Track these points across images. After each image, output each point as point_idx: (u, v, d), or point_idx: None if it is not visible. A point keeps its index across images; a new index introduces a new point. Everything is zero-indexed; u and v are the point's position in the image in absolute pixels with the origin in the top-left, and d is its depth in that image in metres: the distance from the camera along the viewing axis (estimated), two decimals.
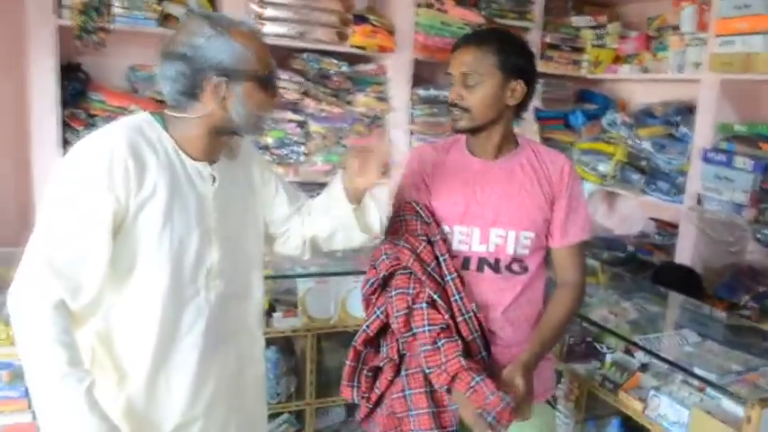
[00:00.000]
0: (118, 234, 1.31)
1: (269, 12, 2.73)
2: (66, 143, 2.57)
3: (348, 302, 2.27)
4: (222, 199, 1.43)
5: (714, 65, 2.72)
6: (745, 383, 1.74)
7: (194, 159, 1.39)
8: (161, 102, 2.71)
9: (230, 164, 1.49)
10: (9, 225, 2.83)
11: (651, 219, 3.49)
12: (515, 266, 1.58)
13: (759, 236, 2.63)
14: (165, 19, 2.65)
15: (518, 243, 1.56)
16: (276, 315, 2.28)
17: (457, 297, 1.51)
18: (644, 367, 1.98)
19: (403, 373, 1.55)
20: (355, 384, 1.63)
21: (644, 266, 3.15)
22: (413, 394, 1.51)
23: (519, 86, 1.54)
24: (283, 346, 2.44)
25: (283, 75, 2.81)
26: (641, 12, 3.36)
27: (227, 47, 1.30)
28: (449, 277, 1.52)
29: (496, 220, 1.57)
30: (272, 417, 2.37)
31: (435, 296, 1.47)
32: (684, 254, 2.94)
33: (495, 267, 1.57)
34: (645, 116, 3.18)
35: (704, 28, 2.80)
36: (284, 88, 2.81)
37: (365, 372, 1.61)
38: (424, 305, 1.48)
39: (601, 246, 3.32)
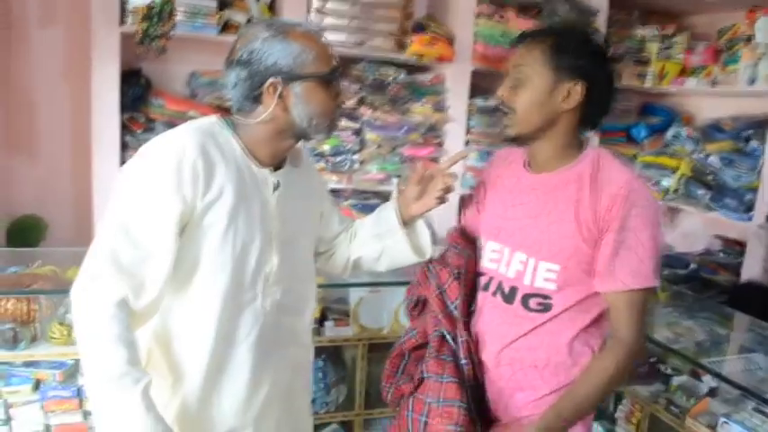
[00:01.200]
0: (183, 234, 1.30)
1: (328, 20, 2.72)
2: (125, 146, 2.62)
3: (401, 313, 2.23)
4: (284, 206, 1.42)
5: None
6: None
7: (260, 164, 1.39)
8: (221, 108, 2.77)
9: (293, 171, 1.48)
10: (68, 227, 2.91)
11: (716, 236, 3.34)
12: (532, 302, 1.38)
13: None
14: (226, 26, 2.67)
15: (536, 274, 1.37)
16: (328, 324, 2.26)
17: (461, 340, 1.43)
18: (713, 392, 1.88)
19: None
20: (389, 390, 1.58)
21: (708, 285, 3.02)
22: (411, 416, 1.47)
23: (576, 89, 1.34)
24: (333, 355, 2.42)
25: (347, 83, 2.81)
26: (711, 23, 3.24)
27: (283, 47, 1.30)
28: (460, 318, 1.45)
29: (521, 242, 1.41)
30: (321, 426, 2.35)
31: (447, 335, 1.43)
32: (752, 272, 2.81)
33: (508, 297, 1.41)
34: (713, 130, 3.06)
35: None
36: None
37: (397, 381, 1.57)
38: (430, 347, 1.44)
39: (662, 262, 3.20)
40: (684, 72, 3.25)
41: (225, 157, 1.33)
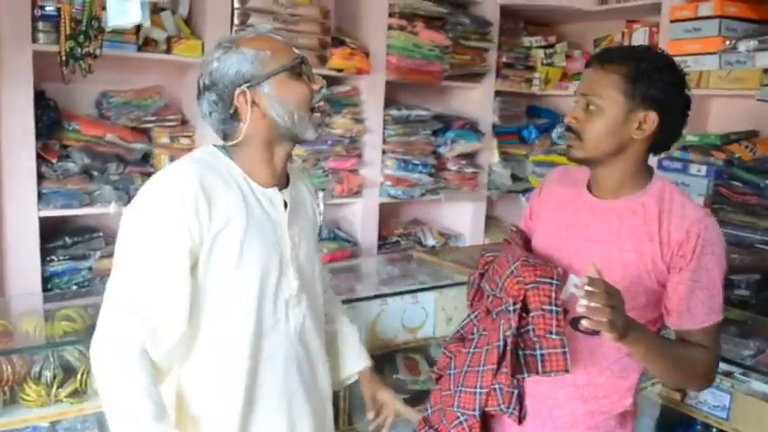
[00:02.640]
0: (195, 271, 1.27)
1: None
2: (41, 178, 2.37)
3: (377, 326, 2.26)
4: (294, 225, 1.40)
5: None
6: (763, 364, 1.92)
7: (263, 186, 1.36)
8: (138, 129, 2.60)
9: (297, 190, 1.46)
10: None
11: None
12: (583, 324, 1.28)
13: None
14: (146, 43, 2.52)
15: None
16: None
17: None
18: None
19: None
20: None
21: None
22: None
23: (649, 118, 1.34)
24: None
25: None
26: (587, 32, 3.60)
27: (238, 57, 1.29)
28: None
29: (574, 265, 1.40)
30: None
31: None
32: None
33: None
34: None
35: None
36: None
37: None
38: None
39: None
40: (566, 77, 3.59)
41: (227, 184, 1.31)
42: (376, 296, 2.26)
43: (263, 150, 1.34)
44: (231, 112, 1.31)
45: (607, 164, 1.40)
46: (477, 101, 3.47)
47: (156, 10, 2.58)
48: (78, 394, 1.82)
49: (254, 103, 1.30)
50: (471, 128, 3.38)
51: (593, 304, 1.18)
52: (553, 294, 1.35)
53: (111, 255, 2.42)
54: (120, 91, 2.63)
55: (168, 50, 2.56)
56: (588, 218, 1.44)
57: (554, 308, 1.34)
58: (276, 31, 2.62)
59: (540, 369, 1.37)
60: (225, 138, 1.37)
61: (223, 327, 1.32)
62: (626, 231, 1.38)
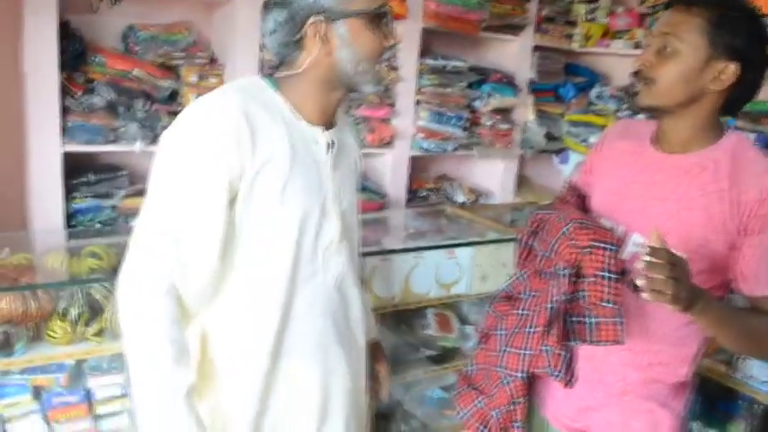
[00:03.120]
0: (234, 206, 1.19)
1: None
2: (65, 111, 2.28)
3: (411, 280, 2.18)
4: (337, 168, 1.32)
5: None
6: None
7: (309, 123, 1.27)
8: (167, 66, 2.49)
9: (343, 132, 1.37)
10: None
11: None
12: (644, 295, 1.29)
13: None
14: None
15: None
16: None
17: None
18: None
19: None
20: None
21: None
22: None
23: (729, 70, 1.23)
24: None
25: None
26: None
27: None
28: None
29: (641, 225, 1.31)
30: None
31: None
32: None
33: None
34: None
35: None
36: None
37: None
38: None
39: None
40: (607, 34, 3.43)
41: (272, 116, 1.22)
42: (411, 249, 2.17)
43: (318, 88, 1.26)
44: (296, 38, 1.21)
45: (677, 115, 1.30)
46: (514, 55, 3.33)
47: None
48: (105, 333, 1.76)
49: (324, 37, 1.20)
50: (508, 82, 3.25)
51: (654, 276, 1.09)
52: (609, 260, 1.26)
53: (135, 194, 2.44)
54: (147, 25, 2.51)
55: None
56: (653, 174, 1.35)
57: (609, 274, 1.26)
58: None
59: (590, 338, 1.29)
60: (281, 64, 1.27)
61: (257, 269, 1.25)
62: (694, 189, 1.29)
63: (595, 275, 1.27)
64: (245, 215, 1.21)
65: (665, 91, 1.27)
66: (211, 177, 1.16)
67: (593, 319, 1.29)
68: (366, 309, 1.54)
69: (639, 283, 1.10)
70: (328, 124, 1.31)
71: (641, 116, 1.50)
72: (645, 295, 1.11)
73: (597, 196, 1.46)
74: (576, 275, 1.31)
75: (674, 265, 1.10)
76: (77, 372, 1.75)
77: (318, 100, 1.27)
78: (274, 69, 1.33)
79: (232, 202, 1.20)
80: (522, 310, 1.42)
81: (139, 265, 1.16)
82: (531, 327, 1.39)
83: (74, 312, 1.68)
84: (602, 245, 1.27)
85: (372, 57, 1.25)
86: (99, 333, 1.74)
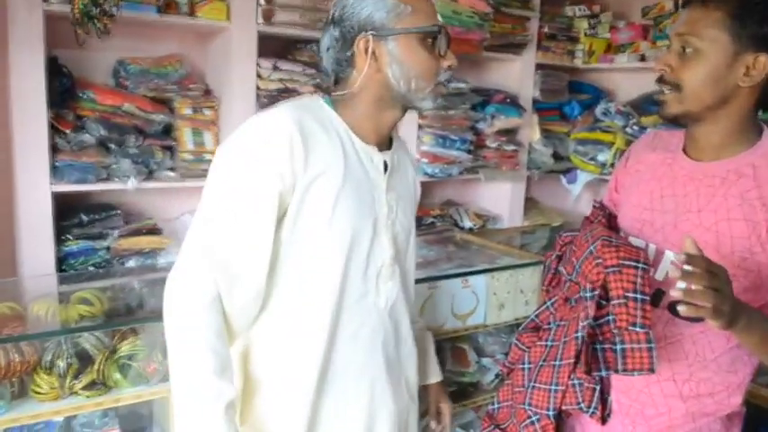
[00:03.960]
0: (284, 220, 1.19)
1: None
2: (55, 150, 2.18)
3: (424, 312, 2.06)
4: (393, 190, 1.29)
5: None
6: None
7: (364, 142, 1.25)
8: (159, 100, 2.40)
9: (399, 155, 1.35)
10: None
11: None
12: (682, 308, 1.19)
13: None
14: (167, 5, 2.32)
15: None
16: None
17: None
18: None
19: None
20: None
21: None
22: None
23: (760, 62, 1.13)
24: None
25: (294, 66, 2.56)
26: (634, 1, 3.35)
27: (377, 1, 1.20)
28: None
29: (675, 240, 1.21)
30: None
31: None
32: None
33: (654, 299, 1.21)
34: (646, 104, 3.18)
35: None
36: (297, 81, 2.56)
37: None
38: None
39: None
40: (610, 49, 3.35)
41: (327, 132, 1.21)
42: (424, 279, 2.04)
43: (372, 107, 1.26)
44: (348, 54, 1.24)
45: (708, 120, 1.19)
46: (516, 74, 3.24)
47: None
48: (96, 386, 1.63)
49: (373, 54, 1.21)
50: (512, 102, 3.16)
51: (692, 287, 0.98)
52: (639, 280, 1.15)
53: (130, 234, 2.33)
54: (138, 59, 2.44)
55: (191, 13, 2.36)
56: (686, 185, 1.25)
57: (639, 295, 1.14)
58: None
59: (619, 366, 1.16)
60: (336, 82, 1.30)
61: (304, 287, 1.22)
62: (733, 197, 1.18)
63: (625, 297, 1.15)
64: (295, 230, 1.20)
65: (694, 95, 1.17)
66: (262, 188, 1.15)
67: (622, 346, 1.16)
68: (427, 349, 1.55)
69: (675, 293, 0.99)
70: (384, 145, 1.31)
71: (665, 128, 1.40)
72: (682, 309, 0.99)
73: (625, 213, 1.36)
74: (605, 298, 1.20)
75: (713, 275, 0.99)
76: (67, 430, 1.61)
77: (373, 119, 1.27)
78: (325, 90, 1.34)
79: (282, 217, 1.19)
80: (549, 341, 1.31)
81: (185, 275, 1.16)
82: (558, 359, 1.28)
83: (61, 364, 1.55)
84: (632, 263, 1.16)
85: (425, 75, 1.24)
86: (89, 386, 1.61)
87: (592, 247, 1.22)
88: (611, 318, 1.18)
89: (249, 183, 1.16)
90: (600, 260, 1.19)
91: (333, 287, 1.22)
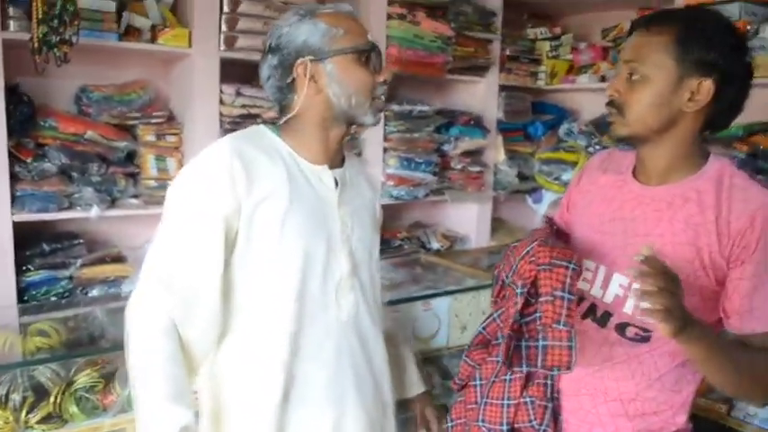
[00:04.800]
0: (234, 244, 1.24)
1: (241, 24, 2.48)
2: (14, 179, 2.16)
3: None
4: (346, 205, 1.33)
5: None
6: None
7: (312, 163, 1.30)
8: (122, 126, 2.40)
9: (353, 171, 1.40)
10: None
11: None
12: (630, 331, 1.23)
13: None
14: (127, 32, 2.33)
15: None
16: None
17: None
18: None
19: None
20: None
21: None
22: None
23: (704, 87, 1.15)
24: None
25: (258, 92, 2.56)
26: (594, 23, 3.43)
27: (310, 27, 1.27)
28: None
29: (622, 264, 1.22)
30: None
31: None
32: None
33: (601, 321, 1.27)
34: (608, 123, 3.23)
35: None
36: (260, 107, 2.57)
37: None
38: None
39: None
40: (572, 70, 3.42)
41: (270, 157, 1.26)
42: (387, 303, 2.04)
43: (317, 128, 1.31)
44: (288, 81, 1.29)
45: (654, 142, 1.21)
46: (480, 96, 3.29)
47: None
48: (51, 420, 1.60)
49: (312, 77, 1.27)
50: (476, 124, 3.20)
51: (647, 287, 1.00)
52: (568, 280, 1.19)
53: (94, 262, 2.31)
54: (100, 86, 2.43)
55: (152, 40, 2.36)
56: (634, 209, 1.27)
57: (567, 295, 1.18)
58: (270, 20, 2.51)
59: (539, 363, 1.20)
60: (281, 110, 1.35)
61: (262, 308, 1.26)
62: (678, 222, 1.20)
63: (553, 294, 1.19)
64: (247, 254, 1.24)
65: (639, 119, 1.19)
66: (206, 215, 1.21)
67: (544, 342, 1.20)
68: (405, 361, 1.59)
69: (634, 294, 1.04)
70: (334, 163, 1.35)
71: (620, 147, 1.43)
72: (643, 305, 1.02)
73: (577, 233, 1.38)
74: (535, 296, 1.23)
75: (668, 277, 1.02)
76: None
77: (319, 139, 1.32)
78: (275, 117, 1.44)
79: (232, 242, 1.23)
80: (499, 356, 1.32)
81: (141, 302, 1.20)
82: (510, 373, 1.30)
83: (16, 398, 1.53)
84: (564, 263, 1.20)
85: (362, 91, 1.29)
86: (45, 420, 1.59)
87: (529, 248, 1.26)
88: (538, 315, 1.22)
89: (195, 211, 1.22)
90: (534, 258, 1.23)
91: (289, 305, 1.25)
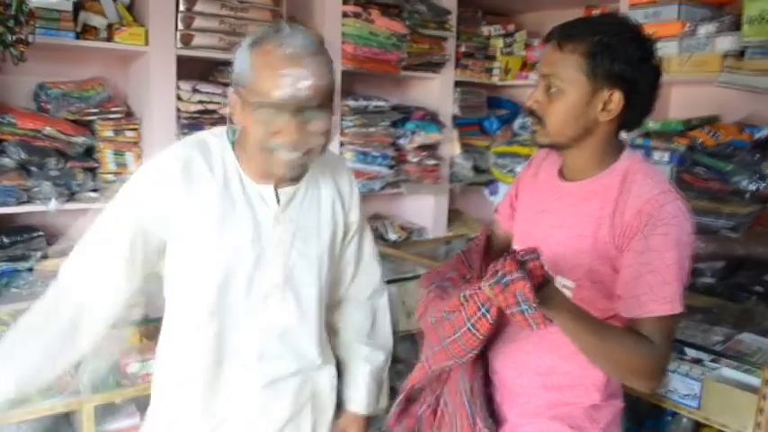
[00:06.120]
0: (165, 252, 1.30)
1: (197, 22, 2.55)
2: None
3: None
4: (290, 223, 1.35)
5: None
6: (733, 350, 1.88)
7: (256, 180, 1.31)
8: (80, 123, 2.45)
9: (308, 186, 1.38)
10: None
11: None
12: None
13: None
14: (84, 30, 2.38)
15: None
16: None
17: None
18: None
19: None
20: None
21: None
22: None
23: (614, 97, 1.24)
24: None
25: (215, 89, 2.64)
26: (546, 21, 3.55)
27: (242, 60, 1.23)
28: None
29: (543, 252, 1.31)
30: None
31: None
32: None
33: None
34: None
35: None
36: (218, 103, 2.64)
37: None
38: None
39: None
40: (526, 66, 3.53)
41: (212, 170, 1.28)
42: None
43: (256, 150, 1.24)
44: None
45: (573, 148, 1.31)
46: (436, 91, 3.39)
47: None
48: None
49: (243, 106, 1.23)
50: (431, 119, 3.30)
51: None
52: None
53: (54, 255, 2.36)
54: (59, 83, 2.48)
55: (109, 38, 2.42)
56: (555, 202, 1.38)
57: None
58: (226, 18, 2.54)
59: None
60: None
61: (186, 312, 1.33)
62: (584, 216, 1.30)
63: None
64: (175, 262, 1.30)
65: (557, 130, 1.29)
66: (127, 215, 1.27)
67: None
68: (355, 373, 1.56)
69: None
70: (279, 182, 1.32)
71: None
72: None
73: (516, 223, 1.50)
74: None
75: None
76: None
77: (259, 160, 1.27)
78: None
79: (161, 250, 1.30)
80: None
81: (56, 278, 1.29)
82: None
83: None
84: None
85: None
86: None
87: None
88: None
89: (120, 211, 1.29)
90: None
91: (209, 311, 1.30)
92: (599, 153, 1.31)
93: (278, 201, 1.33)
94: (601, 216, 1.27)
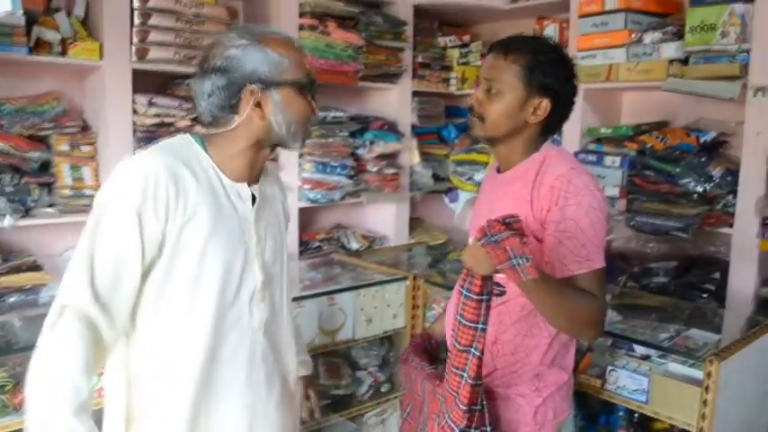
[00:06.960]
0: (160, 259, 1.29)
1: (153, 36, 2.56)
2: None
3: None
4: (261, 220, 1.42)
5: (579, 76, 3.01)
6: (680, 346, 1.95)
7: (233, 180, 1.37)
8: (35, 138, 2.44)
9: (268, 187, 1.47)
10: None
11: None
12: (490, 285, 1.41)
13: (632, 223, 2.93)
14: (37, 45, 2.38)
15: None
16: None
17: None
18: (590, 348, 2.13)
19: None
20: None
21: None
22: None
23: (543, 104, 1.49)
24: None
25: (171, 101, 2.65)
26: (500, 31, 3.60)
27: (261, 55, 1.31)
28: None
29: None
30: None
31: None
32: None
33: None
34: None
35: (566, 44, 3.09)
36: (174, 116, 2.65)
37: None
38: None
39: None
40: None
41: (196, 175, 1.31)
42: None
43: (247, 146, 1.36)
44: (233, 102, 1.33)
45: (505, 143, 1.56)
46: (394, 102, 3.44)
47: (48, 11, 2.45)
48: None
49: (258, 104, 1.32)
50: (390, 128, 3.34)
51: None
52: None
53: (9, 271, 2.36)
54: (12, 98, 2.47)
55: (63, 53, 2.42)
56: (492, 192, 1.62)
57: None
58: (180, 32, 2.58)
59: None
60: (212, 123, 1.37)
61: (183, 318, 1.32)
62: (510, 198, 1.51)
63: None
64: (171, 269, 1.30)
65: (493, 125, 1.52)
66: (130, 229, 1.24)
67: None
68: (299, 348, 1.65)
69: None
70: (253, 179, 1.42)
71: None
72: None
73: (473, 224, 1.67)
74: None
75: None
76: None
77: (246, 158, 1.38)
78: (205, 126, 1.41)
79: (156, 257, 1.29)
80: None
81: (63, 308, 1.21)
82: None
83: None
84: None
85: (302, 121, 1.38)
86: None
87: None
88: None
89: (119, 225, 1.25)
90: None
91: (207, 320, 1.33)
92: (525, 148, 1.55)
93: (253, 198, 1.40)
94: (522, 195, 1.49)
